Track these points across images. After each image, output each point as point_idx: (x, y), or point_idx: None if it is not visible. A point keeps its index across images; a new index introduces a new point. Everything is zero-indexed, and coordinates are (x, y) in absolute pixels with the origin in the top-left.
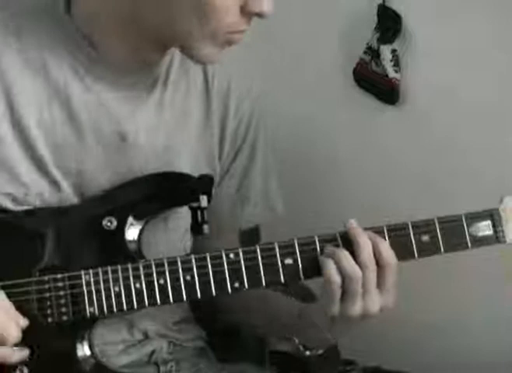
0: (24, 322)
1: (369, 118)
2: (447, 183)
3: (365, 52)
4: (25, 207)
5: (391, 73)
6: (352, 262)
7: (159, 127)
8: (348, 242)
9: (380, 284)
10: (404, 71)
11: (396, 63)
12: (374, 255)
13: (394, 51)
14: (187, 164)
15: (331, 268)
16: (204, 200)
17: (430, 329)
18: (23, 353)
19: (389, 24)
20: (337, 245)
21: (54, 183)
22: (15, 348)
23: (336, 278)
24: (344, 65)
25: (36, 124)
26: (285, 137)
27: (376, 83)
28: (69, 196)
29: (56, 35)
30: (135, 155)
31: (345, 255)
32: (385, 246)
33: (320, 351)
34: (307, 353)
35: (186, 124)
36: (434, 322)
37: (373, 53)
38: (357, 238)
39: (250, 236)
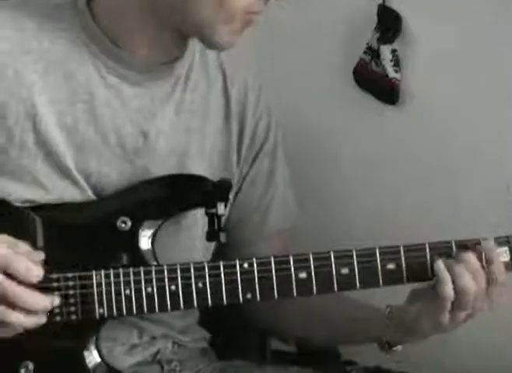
0: (39, 255)
1: (369, 118)
2: (447, 182)
3: (365, 52)
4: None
5: (391, 73)
6: (470, 278)
7: (179, 128)
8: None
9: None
10: (404, 71)
11: (396, 63)
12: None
13: (394, 51)
14: (203, 167)
15: (449, 286)
16: (221, 207)
17: None
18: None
19: (389, 24)
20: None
21: (75, 184)
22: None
23: (452, 295)
24: (344, 65)
25: (59, 127)
26: (284, 137)
27: (377, 83)
28: (88, 196)
29: (76, 31)
30: (154, 156)
31: (463, 272)
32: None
33: (400, 347)
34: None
35: (204, 127)
36: None
37: (373, 53)
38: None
39: None
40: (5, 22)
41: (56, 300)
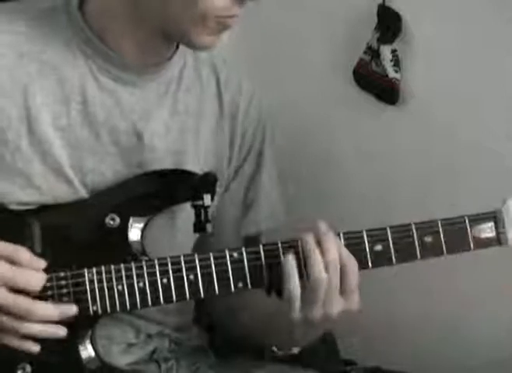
0: (42, 263)
1: (369, 118)
2: (447, 182)
3: (365, 52)
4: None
5: (391, 73)
6: (322, 268)
7: (173, 128)
8: None
9: (342, 288)
10: (404, 71)
11: (396, 63)
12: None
13: (394, 51)
14: (198, 165)
15: (296, 280)
16: (207, 199)
17: (430, 329)
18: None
19: (389, 24)
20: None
21: (69, 184)
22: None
23: (299, 290)
24: (344, 65)
25: (53, 128)
26: (284, 137)
27: (376, 83)
28: (82, 195)
29: (69, 34)
30: (149, 155)
31: (318, 260)
32: (346, 251)
33: (295, 351)
34: (280, 352)
35: (198, 128)
36: (434, 322)
37: (373, 53)
38: (325, 244)
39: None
40: None
41: (73, 309)
